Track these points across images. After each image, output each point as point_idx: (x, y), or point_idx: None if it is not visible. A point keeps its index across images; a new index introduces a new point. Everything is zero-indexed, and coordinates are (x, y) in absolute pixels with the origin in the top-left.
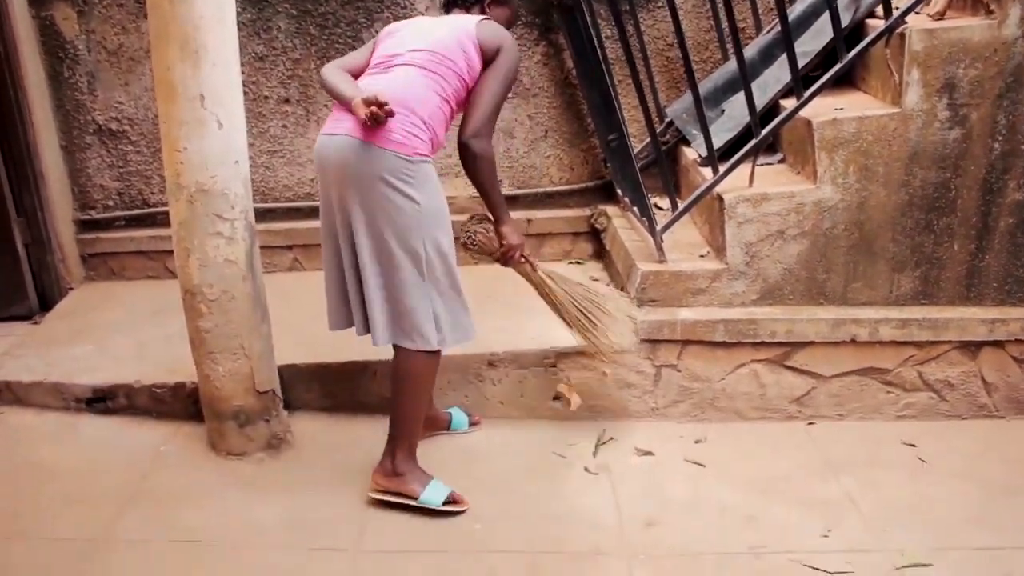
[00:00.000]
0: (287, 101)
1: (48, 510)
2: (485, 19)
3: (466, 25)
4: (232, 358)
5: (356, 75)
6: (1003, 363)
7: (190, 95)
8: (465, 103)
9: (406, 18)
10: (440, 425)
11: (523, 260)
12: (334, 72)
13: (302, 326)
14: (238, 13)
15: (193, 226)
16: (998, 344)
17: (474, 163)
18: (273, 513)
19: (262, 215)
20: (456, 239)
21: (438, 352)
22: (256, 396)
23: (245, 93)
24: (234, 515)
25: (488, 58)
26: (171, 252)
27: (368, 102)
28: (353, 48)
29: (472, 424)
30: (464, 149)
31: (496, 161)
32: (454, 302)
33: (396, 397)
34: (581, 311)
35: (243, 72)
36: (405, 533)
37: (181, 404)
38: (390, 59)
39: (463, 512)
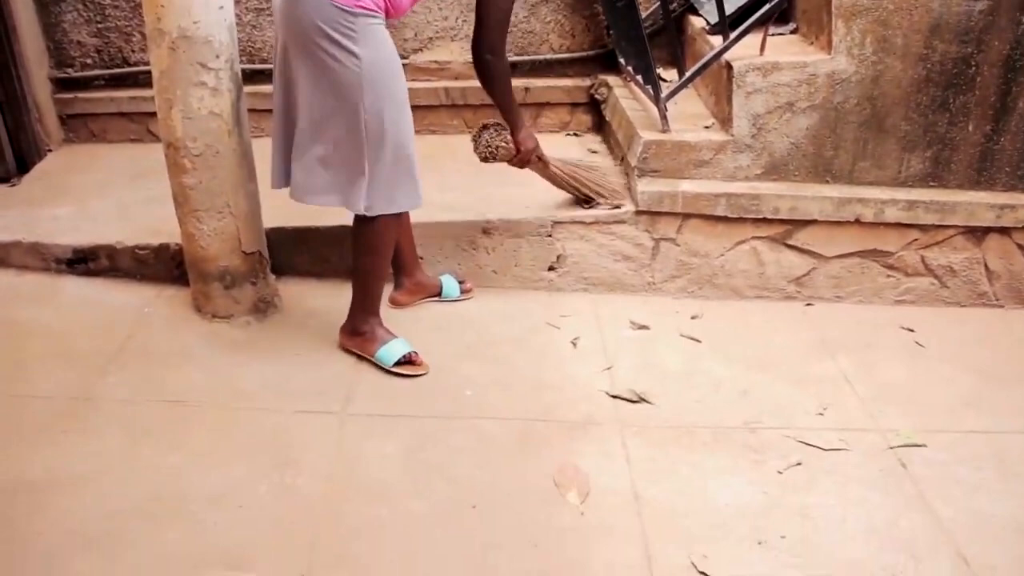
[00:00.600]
0: None
1: (29, 368)
2: None
3: None
4: (218, 216)
5: None
6: (1008, 251)
7: None
8: None
9: None
10: (431, 292)
11: (538, 160)
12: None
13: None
14: None
15: (175, 75)
16: (1005, 231)
17: (491, 81)
18: (260, 376)
19: (249, 76)
20: (476, 150)
21: (393, 216)
22: (243, 257)
23: None
24: (220, 377)
25: None
26: (154, 115)
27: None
28: None
29: (464, 292)
30: (481, 65)
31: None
32: (392, 171)
33: (352, 257)
34: (592, 186)
35: None
36: (393, 398)
37: (165, 266)
38: None
39: (418, 376)
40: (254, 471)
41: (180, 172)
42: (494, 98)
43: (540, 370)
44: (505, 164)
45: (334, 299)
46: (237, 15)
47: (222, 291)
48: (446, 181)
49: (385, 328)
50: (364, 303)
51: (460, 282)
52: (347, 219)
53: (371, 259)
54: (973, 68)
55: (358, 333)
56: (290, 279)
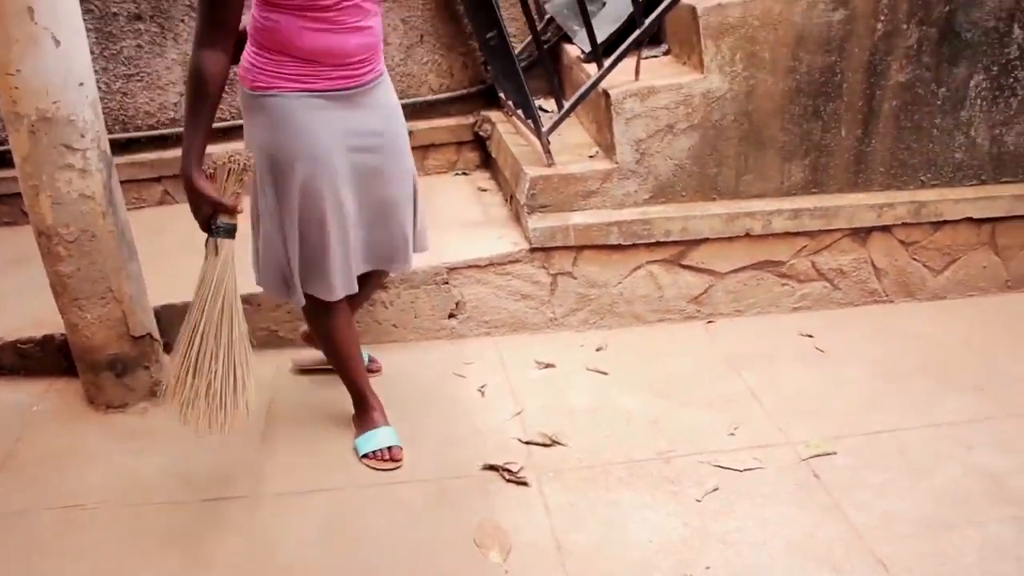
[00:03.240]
0: (139, 18)
1: None
2: None
3: None
4: (100, 303)
5: None
6: (891, 248)
7: (17, 7)
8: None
9: None
10: None
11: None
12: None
13: (177, 263)
14: None
15: (39, 160)
16: (886, 229)
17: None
18: (162, 467)
19: (124, 146)
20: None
21: (318, 304)
22: (132, 342)
23: (90, 11)
24: (120, 473)
25: None
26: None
27: None
28: None
29: (372, 371)
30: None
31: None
32: (270, 262)
33: None
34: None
35: None
36: (304, 472)
37: (52, 358)
38: None
39: (386, 471)
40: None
41: (55, 260)
42: None
43: (450, 424)
44: None
45: None
46: (106, 83)
47: (114, 380)
48: None
49: (378, 412)
50: (349, 388)
51: (370, 359)
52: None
53: (325, 345)
54: (839, 76)
55: (354, 415)
56: None
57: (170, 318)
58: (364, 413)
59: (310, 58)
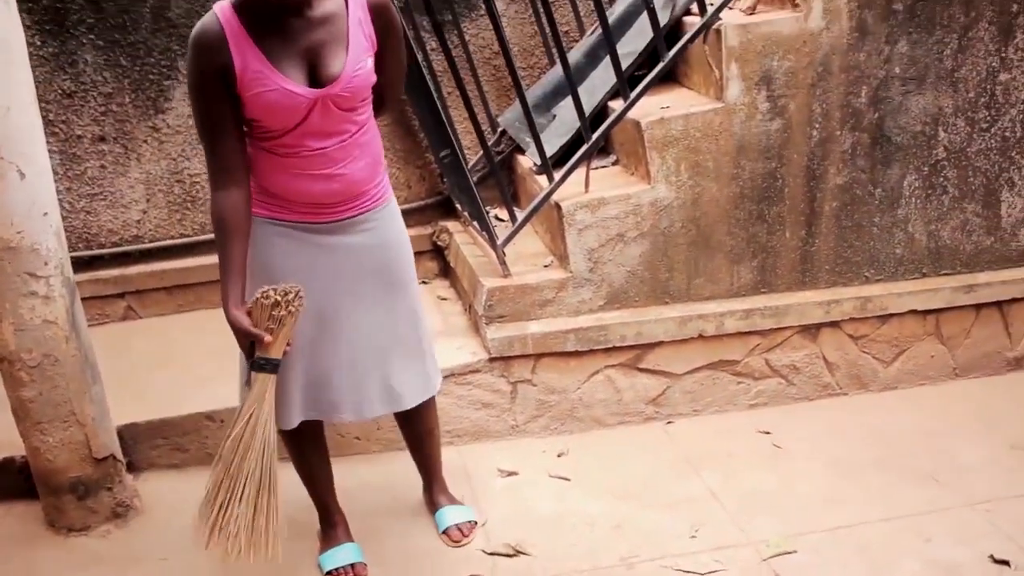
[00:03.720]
0: (103, 139)
1: None
2: None
3: None
4: (63, 426)
5: None
6: (841, 342)
7: None
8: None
9: None
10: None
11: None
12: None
13: (140, 380)
14: (38, 47)
15: (2, 288)
16: (835, 324)
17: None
18: None
19: (87, 263)
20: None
21: (289, 432)
22: (94, 464)
23: (55, 133)
24: None
25: None
26: None
27: None
28: (167, 79)
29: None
30: None
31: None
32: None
33: None
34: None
35: (50, 111)
36: None
37: (11, 480)
38: None
39: None
40: None
41: (18, 385)
42: None
43: (414, 538)
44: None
45: (197, 490)
46: (70, 202)
47: (76, 502)
48: None
49: (342, 528)
50: (316, 505)
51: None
52: (199, 406)
53: (296, 464)
54: (780, 180)
55: (319, 529)
56: (149, 474)
57: (133, 437)
58: (328, 529)
59: (278, 193)
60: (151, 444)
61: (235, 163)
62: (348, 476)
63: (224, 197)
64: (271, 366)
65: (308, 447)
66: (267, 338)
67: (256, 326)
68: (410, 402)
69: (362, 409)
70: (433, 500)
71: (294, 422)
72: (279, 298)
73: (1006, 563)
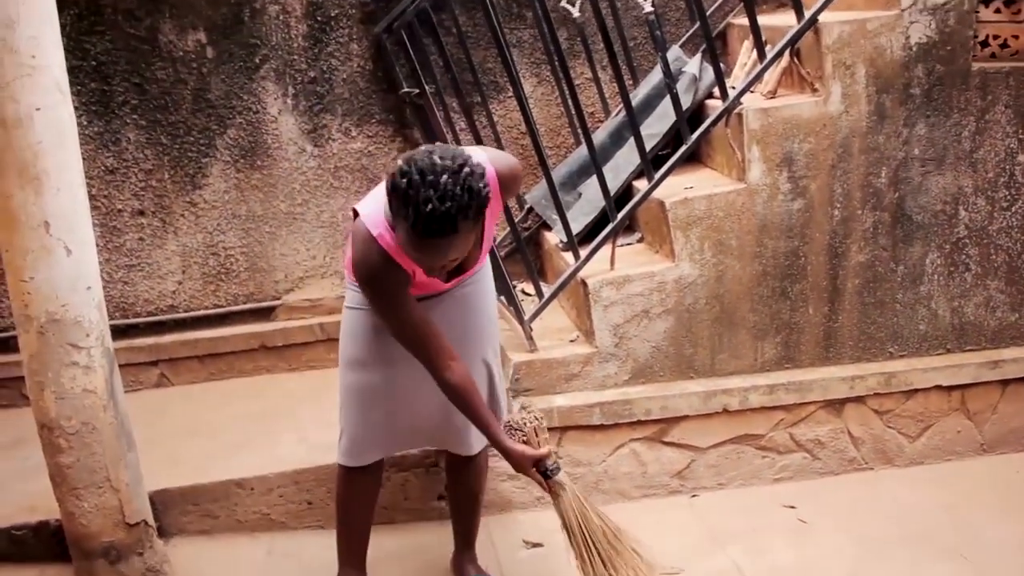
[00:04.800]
0: (142, 213)
1: None
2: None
3: None
4: (98, 492)
5: None
6: (866, 417)
7: (34, 223)
8: None
9: (259, 126)
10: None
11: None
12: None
13: (172, 446)
14: (84, 126)
15: (46, 358)
16: (859, 399)
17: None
18: None
19: (123, 331)
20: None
21: (357, 469)
22: (127, 529)
23: (97, 207)
24: None
25: None
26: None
27: None
28: (205, 156)
29: None
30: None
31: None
32: (346, 420)
33: None
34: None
35: (93, 186)
36: None
37: (45, 544)
38: None
39: None
40: None
41: (56, 452)
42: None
43: None
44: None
45: (225, 557)
46: (108, 273)
47: (107, 567)
48: (326, 417)
49: None
50: (341, 556)
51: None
52: (231, 472)
53: (339, 508)
54: (802, 258)
55: None
56: (179, 540)
57: (164, 503)
58: None
59: None
60: (182, 510)
61: (433, 335)
62: (373, 545)
63: (448, 374)
64: (557, 466)
65: (369, 485)
66: (546, 450)
67: (536, 447)
68: (477, 446)
69: (445, 441)
70: (462, 569)
71: (369, 460)
72: (539, 418)
73: None
